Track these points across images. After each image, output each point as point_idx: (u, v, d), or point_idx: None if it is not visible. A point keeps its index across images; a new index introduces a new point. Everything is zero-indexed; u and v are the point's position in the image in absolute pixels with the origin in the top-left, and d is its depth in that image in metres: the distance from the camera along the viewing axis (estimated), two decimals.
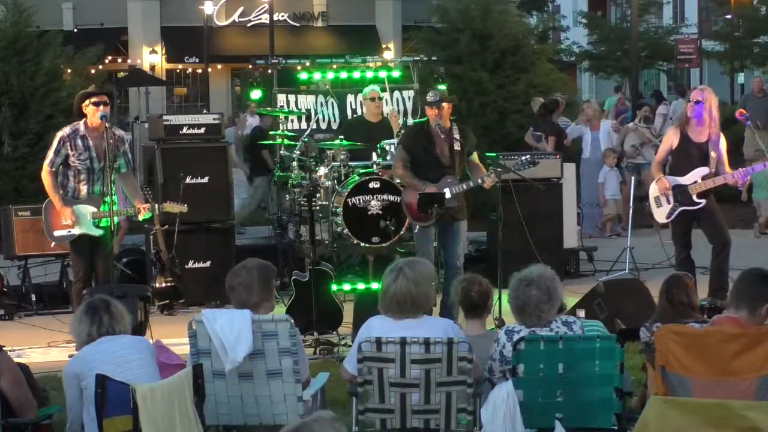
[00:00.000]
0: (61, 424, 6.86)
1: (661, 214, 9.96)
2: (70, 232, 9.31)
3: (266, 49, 32.41)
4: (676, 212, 9.86)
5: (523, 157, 9.92)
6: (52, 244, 9.92)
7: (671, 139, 9.96)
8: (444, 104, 9.51)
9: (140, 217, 9.70)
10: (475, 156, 9.79)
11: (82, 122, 9.35)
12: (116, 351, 5.76)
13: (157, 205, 9.72)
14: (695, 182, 9.82)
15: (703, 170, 9.83)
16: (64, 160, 9.29)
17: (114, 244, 9.39)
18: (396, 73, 13.34)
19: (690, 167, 9.85)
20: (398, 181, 10.31)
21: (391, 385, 5.87)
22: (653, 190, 10.03)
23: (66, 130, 9.35)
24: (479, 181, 9.49)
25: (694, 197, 9.81)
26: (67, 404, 5.87)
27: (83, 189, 9.34)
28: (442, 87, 11.06)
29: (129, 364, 5.71)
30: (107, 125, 9.18)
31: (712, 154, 9.83)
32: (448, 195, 9.35)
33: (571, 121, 16.67)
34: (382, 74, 13.26)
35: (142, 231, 11.58)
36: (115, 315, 5.89)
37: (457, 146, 9.54)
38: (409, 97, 13.39)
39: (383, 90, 12.56)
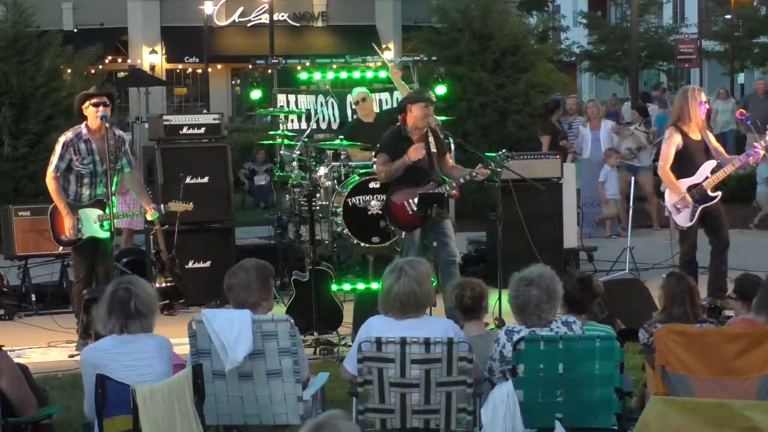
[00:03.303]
0: (62, 424, 6.87)
1: (683, 218, 9.88)
2: (77, 236, 9.31)
3: (266, 49, 32.44)
4: (698, 212, 9.83)
5: (499, 152, 9.87)
6: (60, 248, 9.93)
7: (675, 141, 9.85)
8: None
9: (148, 218, 9.74)
10: (447, 156, 9.84)
11: (83, 125, 9.34)
12: (136, 353, 5.67)
13: (162, 205, 9.74)
14: (707, 178, 9.81)
15: (710, 164, 9.83)
16: (68, 164, 9.30)
17: (114, 245, 9.41)
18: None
19: (696, 165, 9.84)
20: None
21: (391, 385, 5.87)
22: (670, 197, 9.96)
23: (69, 135, 9.33)
24: (467, 177, 9.51)
25: (710, 192, 9.81)
26: (85, 391, 5.78)
27: (85, 192, 9.35)
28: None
29: (150, 368, 5.65)
30: (107, 126, 9.18)
31: (710, 147, 9.85)
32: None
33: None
34: (382, 74, 13.27)
35: (142, 231, 11.58)
36: (141, 311, 5.70)
37: (432, 148, 9.58)
38: None
39: (378, 90, 12.59)
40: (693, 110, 9.80)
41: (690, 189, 9.83)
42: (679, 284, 6.72)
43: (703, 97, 9.94)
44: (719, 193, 9.85)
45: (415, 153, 9.43)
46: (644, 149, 15.68)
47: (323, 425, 3.66)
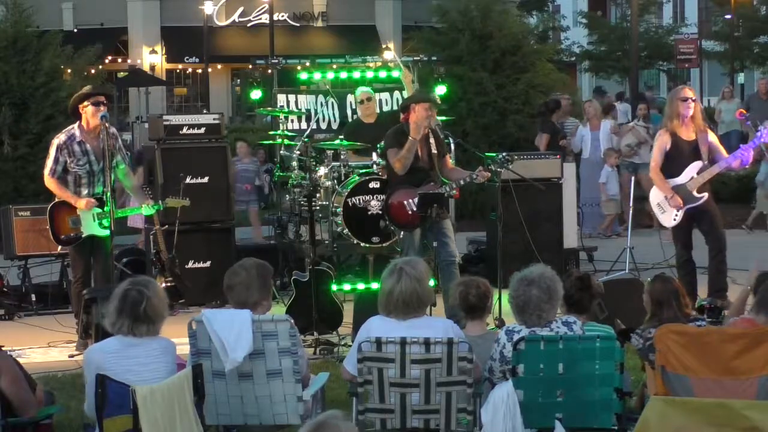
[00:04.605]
0: (62, 424, 6.87)
1: (667, 218, 9.92)
2: (77, 235, 9.31)
3: (266, 49, 32.44)
4: (681, 213, 9.84)
5: (499, 156, 9.92)
6: (59, 248, 9.93)
7: (664, 141, 9.90)
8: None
9: (144, 211, 9.76)
10: (447, 158, 9.86)
11: (76, 126, 9.35)
12: (141, 356, 5.65)
13: (160, 201, 9.76)
14: (691, 178, 9.82)
15: (697, 165, 9.84)
16: (63, 167, 9.30)
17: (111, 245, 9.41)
18: (396, 73, 13.34)
19: (684, 166, 9.85)
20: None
21: (391, 385, 5.87)
22: (655, 196, 9.98)
23: (62, 138, 9.33)
24: (467, 179, 9.53)
25: (695, 193, 9.81)
26: (86, 391, 5.77)
27: (83, 192, 9.35)
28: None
29: (154, 373, 5.64)
30: (107, 125, 9.18)
31: (703, 148, 9.85)
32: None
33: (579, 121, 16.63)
34: (382, 74, 13.27)
35: (142, 231, 11.59)
36: (150, 315, 5.66)
37: (434, 149, 9.59)
38: None
39: (378, 90, 12.60)
40: (676, 109, 9.83)
41: (673, 189, 9.84)
42: (664, 287, 6.66)
43: (688, 94, 9.92)
44: (705, 194, 9.83)
45: (416, 130, 9.43)
46: (645, 144, 15.65)
47: (323, 425, 3.67)
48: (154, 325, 5.72)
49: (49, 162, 9.34)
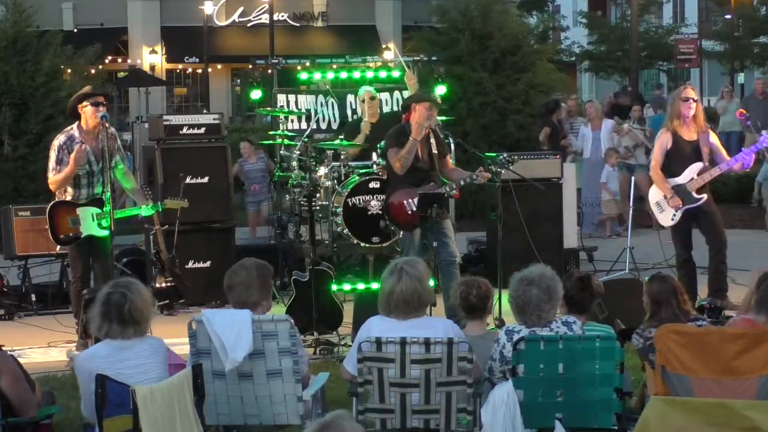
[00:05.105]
0: (62, 424, 6.87)
1: (665, 218, 9.93)
2: (76, 234, 9.31)
3: (266, 49, 32.46)
4: (679, 213, 9.85)
5: (500, 156, 9.93)
6: (57, 248, 9.93)
7: (664, 141, 9.92)
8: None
9: (143, 213, 9.77)
10: (448, 158, 9.85)
11: (75, 127, 9.34)
12: (131, 359, 5.64)
13: (159, 203, 9.77)
14: (692, 179, 9.83)
15: (697, 166, 9.84)
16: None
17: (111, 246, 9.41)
18: (396, 73, 13.33)
19: (684, 166, 9.86)
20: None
21: (391, 385, 5.87)
22: (654, 195, 9.99)
23: (61, 139, 9.33)
24: (467, 180, 9.53)
25: (694, 194, 9.82)
26: (82, 396, 5.77)
27: (82, 192, 9.34)
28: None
29: (145, 374, 5.64)
30: (106, 125, 9.18)
31: (704, 149, 9.85)
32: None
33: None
34: (383, 74, 13.26)
35: (142, 231, 11.59)
36: (134, 317, 5.64)
37: (434, 149, 9.59)
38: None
39: (377, 90, 12.61)
40: (678, 108, 9.84)
41: (673, 189, 9.84)
42: (662, 286, 6.64)
43: (690, 94, 9.92)
44: (705, 195, 9.83)
45: (418, 131, 9.43)
46: (640, 147, 15.68)
47: (328, 426, 3.66)
48: (140, 326, 5.70)
49: (52, 164, 9.34)
